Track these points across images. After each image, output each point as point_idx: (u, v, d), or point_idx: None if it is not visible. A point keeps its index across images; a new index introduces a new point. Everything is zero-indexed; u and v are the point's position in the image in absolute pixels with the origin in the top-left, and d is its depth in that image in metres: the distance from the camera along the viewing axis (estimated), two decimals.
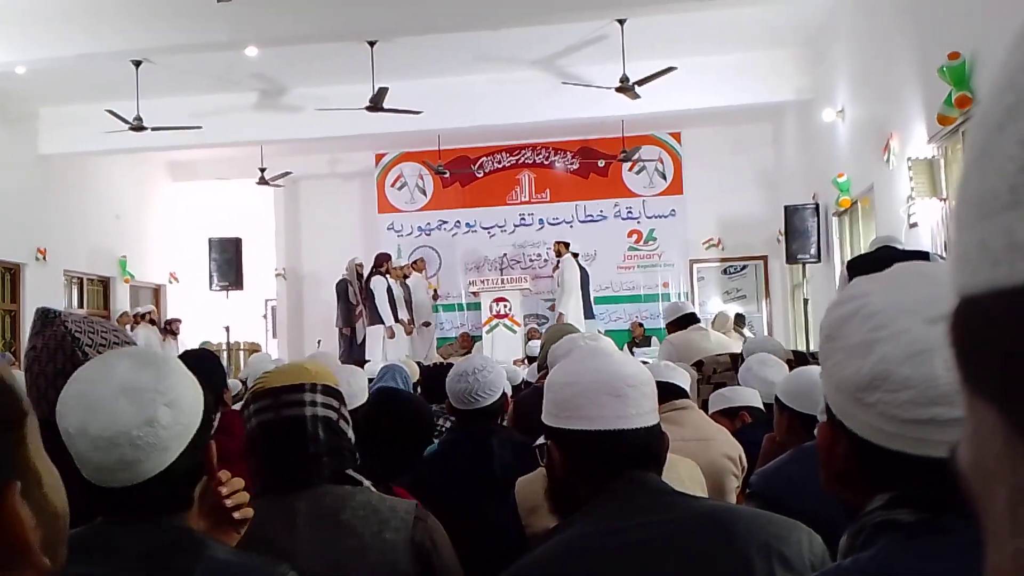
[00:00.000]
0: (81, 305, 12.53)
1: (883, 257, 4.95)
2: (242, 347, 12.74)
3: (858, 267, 4.97)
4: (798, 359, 3.96)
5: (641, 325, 13.04)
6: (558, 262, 11.77)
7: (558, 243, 11.92)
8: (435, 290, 13.19)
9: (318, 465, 1.57)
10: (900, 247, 5.28)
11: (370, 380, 3.64)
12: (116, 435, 1.15)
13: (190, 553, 1.20)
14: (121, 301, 13.41)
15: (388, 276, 11.65)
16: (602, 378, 1.41)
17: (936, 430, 0.83)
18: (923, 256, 4.99)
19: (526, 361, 9.26)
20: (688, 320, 5.39)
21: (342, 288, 12.21)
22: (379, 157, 14.22)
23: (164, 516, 1.22)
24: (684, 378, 2.93)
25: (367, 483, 1.63)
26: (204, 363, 2.89)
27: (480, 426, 2.66)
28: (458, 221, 14.11)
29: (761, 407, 3.29)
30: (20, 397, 0.63)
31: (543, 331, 11.57)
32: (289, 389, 1.60)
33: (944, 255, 6.01)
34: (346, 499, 1.56)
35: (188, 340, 13.15)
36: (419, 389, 4.17)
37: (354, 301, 12.04)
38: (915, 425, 0.83)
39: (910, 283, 0.86)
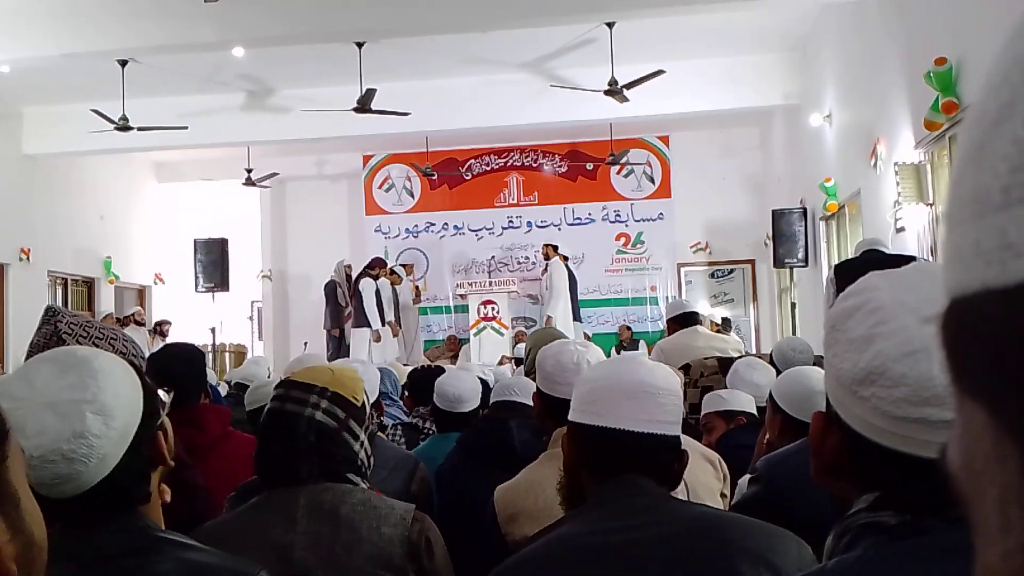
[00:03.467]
0: (65, 306, 12.44)
1: (870, 261, 4.97)
2: (228, 349, 12.69)
3: (845, 271, 4.98)
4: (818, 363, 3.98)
5: (629, 328, 13.07)
6: (546, 265, 11.78)
7: (547, 246, 11.93)
8: (417, 289, 13.18)
9: (305, 463, 1.62)
10: (885, 251, 5.30)
11: None
12: (47, 453, 1.11)
13: (154, 553, 1.18)
14: (106, 302, 13.34)
15: (378, 280, 11.65)
16: (624, 380, 1.43)
17: (926, 430, 0.83)
18: (910, 260, 5.01)
19: (513, 362, 9.25)
20: (687, 319, 5.36)
21: (330, 290, 12.22)
22: (366, 159, 14.21)
23: (121, 517, 1.19)
24: None
25: (364, 484, 1.68)
26: (185, 355, 2.88)
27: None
28: (446, 223, 14.11)
29: (755, 412, 3.31)
30: (2, 417, 0.61)
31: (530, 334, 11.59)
32: (301, 386, 1.67)
33: (931, 259, 6.05)
34: (345, 495, 1.62)
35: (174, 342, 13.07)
36: (406, 392, 4.16)
37: (343, 303, 12.05)
38: (906, 423, 0.83)
39: (919, 282, 0.86)
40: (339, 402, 1.66)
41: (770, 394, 2.51)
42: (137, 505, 1.22)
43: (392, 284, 11.98)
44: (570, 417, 1.48)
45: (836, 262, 8.72)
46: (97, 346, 1.73)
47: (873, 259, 5.02)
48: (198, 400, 2.77)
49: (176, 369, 2.64)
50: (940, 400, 0.81)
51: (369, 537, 1.58)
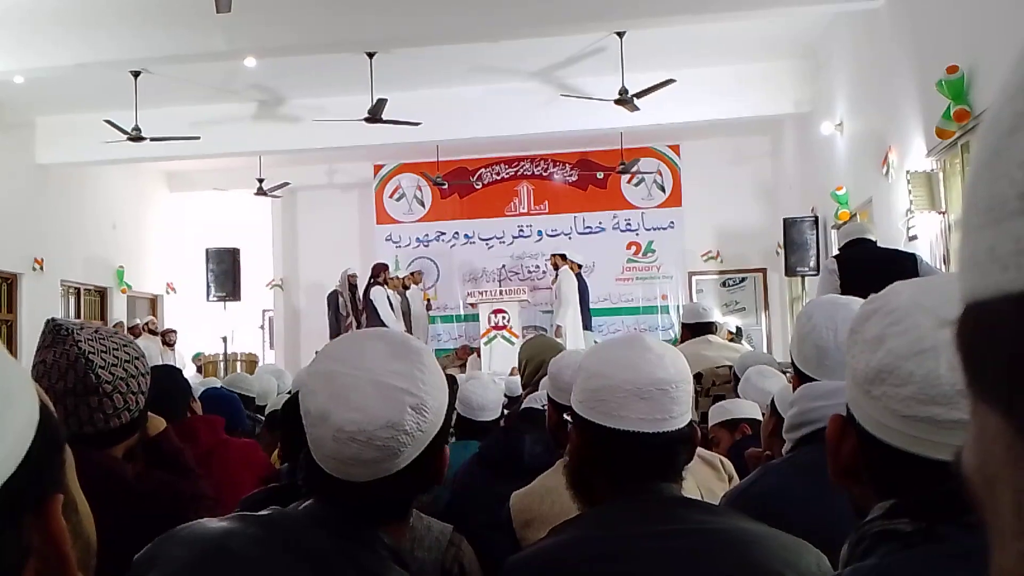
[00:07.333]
0: (78, 315, 12.51)
1: (873, 253, 4.91)
2: (240, 358, 12.71)
3: (847, 262, 4.90)
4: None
5: None
6: (556, 274, 11.78)
7: (555, 256, 11.89)
8: (428, 300, 13.21)
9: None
10: (872, 237, 5.13)
11: None
12: (357, 432, 1.10)
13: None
14: (118, 311, 13.39)
15: (386, 286, 11.66)
16: (633, 378, 1.36)
17: (934, 430, 0.83)
18: (907, 255, 4.95)
19: None
20: (702, 329, 5.25)
21: (332, 299, 12.25)
22: (377, 168, 14.25)
23: (375, 529, 1.17)
24: None
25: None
26: (165, 371, 2.90)
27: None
28: (456, 232, 14.13)
29: (760, 419, 3.30)
30: (58, 427, 0.62)
31: None
32: None
33: (944, 267, 6.01)
34: None
35: (184, 351, 13.13)
36: None
37: (344, 312, 12.05)
38: (914, 423, 0.84)
39: (942, 287, 0.87)
40: None
41: (772, 400, 2.49)
42: (393, 519, 1.22)
43: (393, 288, 11.96)
44: (574, 408, 1.43)
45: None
46: (116, 356, 1.71)
47: (871, 251, 4.95)
48: (185, 415, 2.82)
49: (163, 385, 2.66)
50: (947, 399, 0.81)
51: None
